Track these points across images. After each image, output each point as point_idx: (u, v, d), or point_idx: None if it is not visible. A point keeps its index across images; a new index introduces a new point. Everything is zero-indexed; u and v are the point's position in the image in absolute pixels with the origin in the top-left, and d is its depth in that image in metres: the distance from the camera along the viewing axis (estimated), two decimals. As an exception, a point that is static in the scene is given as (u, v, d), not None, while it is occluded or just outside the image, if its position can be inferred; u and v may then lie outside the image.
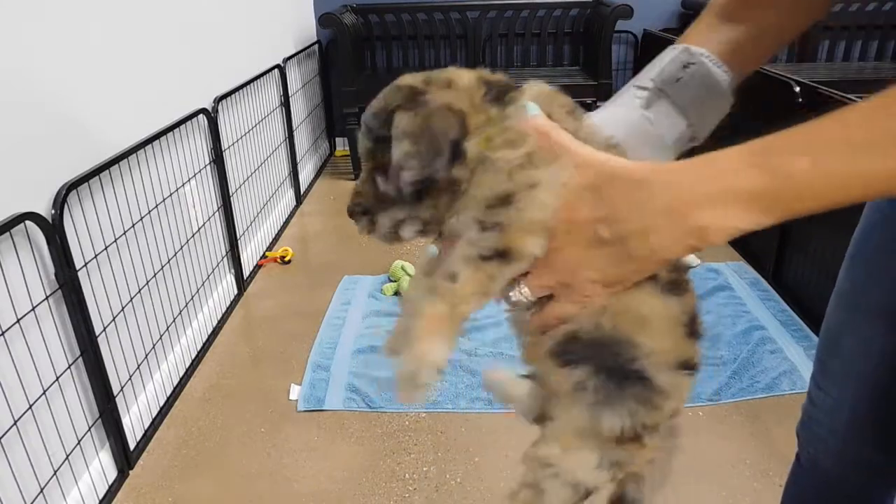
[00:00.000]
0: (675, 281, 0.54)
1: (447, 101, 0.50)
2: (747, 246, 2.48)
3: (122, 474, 1.54)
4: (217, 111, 2.16)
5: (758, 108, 2.43)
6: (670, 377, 0.55)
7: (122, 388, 1.58)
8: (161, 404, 1.75)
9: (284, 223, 2.97)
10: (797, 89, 2.05)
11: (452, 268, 0.49)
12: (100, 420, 1.48)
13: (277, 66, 2.90)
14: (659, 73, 0.60)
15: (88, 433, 1.45)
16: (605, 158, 0.49)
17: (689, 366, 0.57)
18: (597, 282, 0.49)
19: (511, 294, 0.53)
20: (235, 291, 2.33)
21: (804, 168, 0.42)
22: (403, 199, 0.52)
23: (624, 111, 0.60)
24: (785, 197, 0.43)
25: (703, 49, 0.60)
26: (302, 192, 3.27)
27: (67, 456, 1.37)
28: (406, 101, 0.50)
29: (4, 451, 1.19)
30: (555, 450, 0.57)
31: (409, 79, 0.53)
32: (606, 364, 0.52)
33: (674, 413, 0.57)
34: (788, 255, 2.20)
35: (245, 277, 2.41)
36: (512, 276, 0.50)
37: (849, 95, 1.89)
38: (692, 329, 0.58)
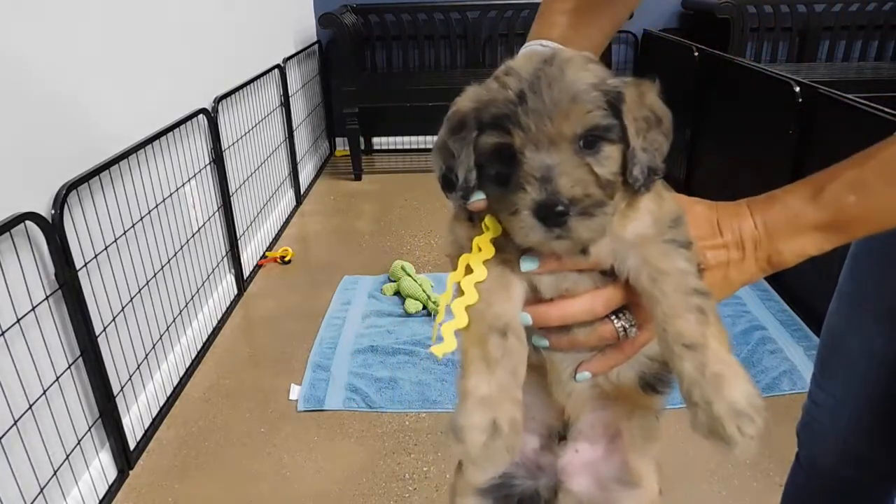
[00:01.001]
0: None
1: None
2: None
3: (122, 474, 1.53)
4: (217, 111, 2.16)
5: (758, 107, 2.44)
6: None
7: (122, 388, 1.58)
8: (161, 404, 1.75)
9: (284, 223, 2.97)
10: (797, 89, 2.05)
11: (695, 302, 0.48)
12: (100, 420, 1.48)
13: (277, 66, 2.90)
14: None
15: (88, 433, 1.45)
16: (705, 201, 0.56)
17: None
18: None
19: (619, 328, 0.52)
20: (235, 291, 2.33)
21: (852, 202, 0.52)
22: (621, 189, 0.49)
23: None
24: (841, 226, 0.53)
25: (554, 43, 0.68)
26: (302, 192, 3.27)
27: (67, 456, 1.37)
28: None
29: (4, 451, 1.19)
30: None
31: None
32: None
33: None
34: (788, 255, 2.20)
35: (245, 277, 2.41)
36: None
37: (848, 95, 1.89)
38: None
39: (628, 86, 0.49)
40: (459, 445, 0.47)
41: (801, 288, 2.12)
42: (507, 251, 0.50)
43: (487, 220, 0.50)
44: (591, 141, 0.46)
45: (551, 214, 0.44)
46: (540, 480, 0.61)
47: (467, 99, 0.51)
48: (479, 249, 0.51)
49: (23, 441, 1.24)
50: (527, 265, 0.50)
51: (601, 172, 0.46)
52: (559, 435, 0.61)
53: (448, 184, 0.51)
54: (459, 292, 0.51)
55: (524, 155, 0.46)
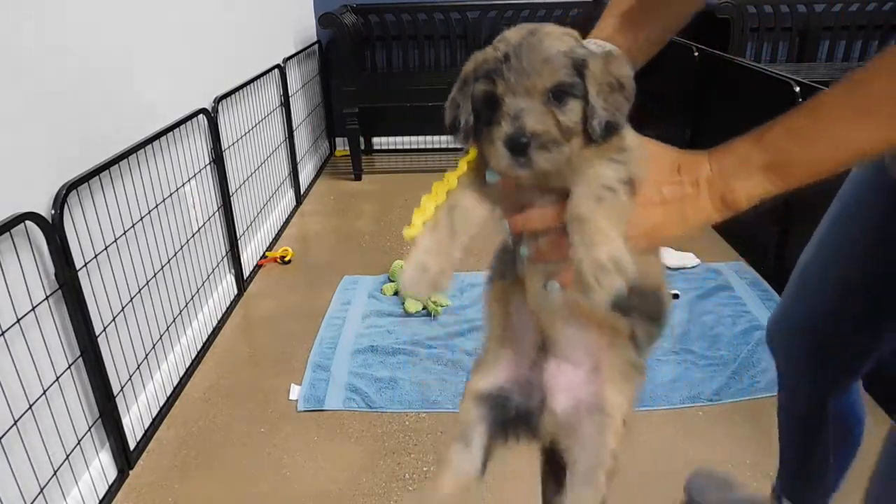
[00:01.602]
0: None
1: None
2: (747, 246, 2.48)
3: (122, 474, 1.54)
4: (217, 111, 2.16)
5: (758, 107, 2.44)
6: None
7: (122, 388, 1.58)
8: (161, 404, 1.75)
9: (284, 223, 2.97)
10: (797, 89, 2.05)
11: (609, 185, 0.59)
12: (100, 420, 1.48)
13: (277, 66, 2.90)
14: None
15: (88, 433, 1.45)
16: (672, 148, 0.66)
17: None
18: (648, 233, 0.63)
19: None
20: (235, 291, 2.33)
21: (789, 147, 0.59)
22: (580, 136, 0.60)
23: None
24: (781, 169, 0.59)
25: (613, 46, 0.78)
26: (302, 192, 3.27)
27: (67, 456, 1.37)
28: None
29: (4, 451, 1.19)
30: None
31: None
32: (650, 311, 0.68)
33: None
34: (788, 255, 2.20)
35: (245, 277, 2.41)
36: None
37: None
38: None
39: (595, 56, 0.61)
40: (400, 281, 0.64)
41: (801, 288, 2.11)
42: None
43: (471, 149, 0.67)
44: (558, 95, 0.59)
45: (517, 145, 0.57)
46: (533, 400, 0.72)
47: (471, 61, 0.64)
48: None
49: (23, 441, 1.24)
50: (490, 177, 0.64)
51: (563, 119, 0.59)
52: (540, 347, 0.72)
53: (454, 128, 0.65)
54: (433, 193, 0.69)
55: (503, 100, 0.59)
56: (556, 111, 0.59)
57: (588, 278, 0.55)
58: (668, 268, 2.36)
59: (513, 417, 0.73)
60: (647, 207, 0.62)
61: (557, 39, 0.61)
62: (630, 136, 0.63)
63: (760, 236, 2.35)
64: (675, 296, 2.24)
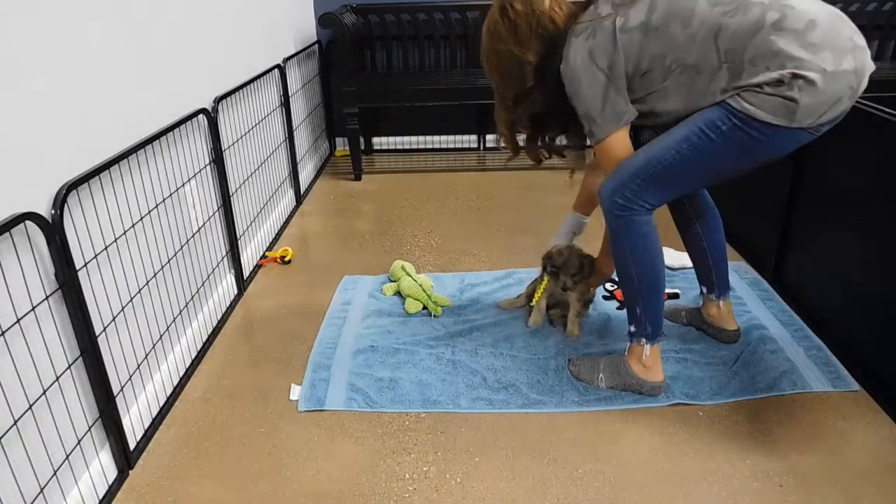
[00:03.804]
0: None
1: None
2: (747, 246, 2.48)
3: (122, 474, 1.54)
4: (217, 111, 2.16)
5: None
6: None
7: (122, 388, 1.58)
8: (161, 404, 1.75)
9: (284, 223, 2.97)
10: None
11: None
12: (100, 420, 1.48)
13: (277, 66, 2.90)
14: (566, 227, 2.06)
15: (88, 433, 1.45)
16: None
17: None
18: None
19: None
20: (235, 291, 2.33)
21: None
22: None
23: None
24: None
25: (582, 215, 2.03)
26: (302, 192, 3.28)
27: (67, 456, 1.37)
28: None
29: (4, 451, 1.19)
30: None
31: None
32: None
33: None
34: (788, 255, 2.20)
35: (245, 277, 2.41)
36: None
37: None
38: None
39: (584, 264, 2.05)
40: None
41: (801, 288, 2.12)
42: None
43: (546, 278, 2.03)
44: (573, 276, 2.04)
45: (562, 286, 2.03)
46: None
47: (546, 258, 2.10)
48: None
49: (23, 441, 1.24)
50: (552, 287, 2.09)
51: (567, 281, 2.06)
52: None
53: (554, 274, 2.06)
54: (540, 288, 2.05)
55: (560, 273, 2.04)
56: (567, 280, 1.94)
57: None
58: (670, 268, 2.36)
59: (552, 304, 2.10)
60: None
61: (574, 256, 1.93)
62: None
63: (760, 236, 2.35)
64: (676, 295, 2.25)
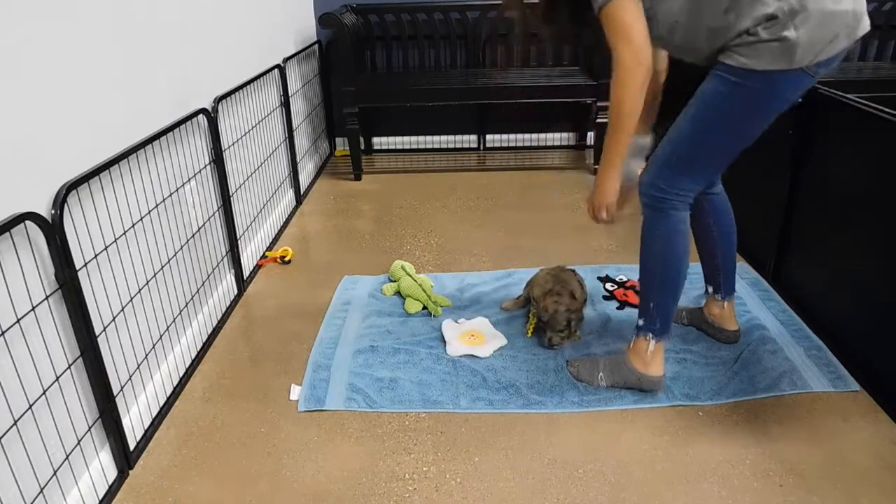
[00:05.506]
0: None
1: None
2: (747, 246, 2.48)
3: (122, 474, 1.54)
4: (217, 111, 2.16)
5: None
6: None
7: (122, 388, 1.58)
8: (161, 404, 1.75)
9: (284, 223, 2.97)
10: (797, 89, 2.05)
11: None
12: (100, 420, 1.48)
13: (277, 66, 2.90)
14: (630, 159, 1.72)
15: (88, 433, 1.45)
16: None
17: None
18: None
19: None
20: (235, 291, 2.33)
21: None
22: None
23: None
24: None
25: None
26: (302, 192, 3.28)
27: (67, 456, 1.37)
28: None
29: (4, 451, 1.19)
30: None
31: None
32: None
33: None
34: (788, 255, 2.20)
35: (245, 277, 2.41)
36: None
37: (848, 95, 1.89)
38: None
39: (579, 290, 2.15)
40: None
41: (801, 288, 2.12)
42: None
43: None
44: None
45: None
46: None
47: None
48: None
49: (23, 441, 1.24)
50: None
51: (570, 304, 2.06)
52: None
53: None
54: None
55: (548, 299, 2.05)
56: (554, 336, 1.94)
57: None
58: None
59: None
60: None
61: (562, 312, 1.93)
62: None
63: (760, 237, 2.35)
64: (675, 296, 2.24)
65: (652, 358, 1.72)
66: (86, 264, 1.43)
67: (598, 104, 3.35)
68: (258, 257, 2.59)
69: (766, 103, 1.46)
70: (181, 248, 1.92)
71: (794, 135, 2.09)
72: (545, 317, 1.93)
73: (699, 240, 1.91)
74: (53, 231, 1.29)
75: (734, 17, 1.39)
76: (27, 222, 1.23)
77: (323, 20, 3.30)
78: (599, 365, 1.80)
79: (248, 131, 2.55)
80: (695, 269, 2.23)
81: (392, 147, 4.06)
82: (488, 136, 4.00)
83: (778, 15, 1.35)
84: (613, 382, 1.77)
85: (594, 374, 1.79)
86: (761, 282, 2.30)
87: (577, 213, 2.99)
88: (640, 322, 1.72)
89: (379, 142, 4.07)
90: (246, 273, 2.43)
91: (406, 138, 4.03)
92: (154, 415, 1.71)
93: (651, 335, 1.70)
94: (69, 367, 1.37)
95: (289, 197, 3.12)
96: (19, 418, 1.22)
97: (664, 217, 1.60)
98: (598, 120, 3.37)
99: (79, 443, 1.41)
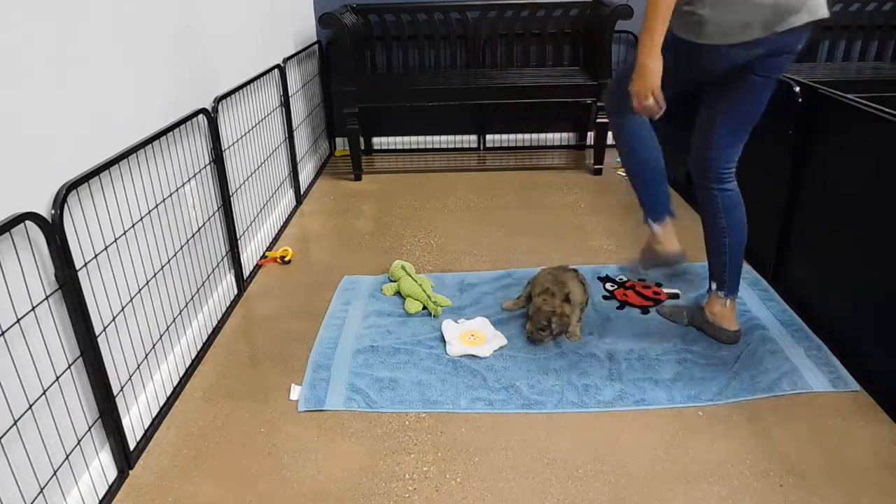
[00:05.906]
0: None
1: None
2: (747, 245, 2.48)
3: (122, 474, 1.54)
4: (217, 111, 2.16)
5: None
6: None
7: (122, 388, 1.58)
8: (161, 404, 1.75)
9: (284, 223, 2.97)
10: (797, 89, 2.05)
11: None
12: (100, 420, 1.48)
13: (277, 66, 2.90)
14: None
15: (88, 433, 1.45)
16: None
17: None
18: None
19: None
20: (235, 291, 2.33)
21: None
22: None
23: None
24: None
25: None
26: (302, 192, 3.28)
27: (67, 456, 1.37)
28: None
29: (4, 451, 1.19)
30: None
31: None
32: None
33: None
34: (788, 254, 2.20)
35: (245, 277, 2.41)
36: None
37: (848, 95, 1.89)
38: None
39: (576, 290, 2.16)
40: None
41: (801, 288, 2.12)
42: None
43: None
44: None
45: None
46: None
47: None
48: None
49: (22, 441, 1.24)
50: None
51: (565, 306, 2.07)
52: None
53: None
54: None
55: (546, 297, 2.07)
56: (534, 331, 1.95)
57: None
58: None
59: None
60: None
61: (543, 312, 1.95)
62: None
63: (760, 236, 2.35)
64: (676, 295, 2.25)
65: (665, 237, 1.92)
66: (86, 264, 1.43)
67: (598, 104, 3.34)
68: (258, 257, 2.59)
69: (694, 62, 1.64)
70: (181, 248, 1.92)
71: (794, 135, 2.09)
72: (530, 310, 1.99)
73: (709, 233, 1.92)
74: (53, 231, 1.29)
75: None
76: (27, 222, 1.23)
77: (323, 20, 3.30)
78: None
79: (248, 131, 2.54)
80: (698, 269, 2.24)
81: (392, 147, 4.06)
82: (488, 136, 4.00)
83: None
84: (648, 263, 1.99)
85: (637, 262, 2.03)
86: (761, 282, 2.30)
87: (578, 213, 2.99)
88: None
89: (379, 142, 4.07)
90: (246, 273, 2.43)
91: (406, 138, 4.03)
92: (154, 415, 1.71)
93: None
94: (69, 367, 1.37)
95: (289, 197, 3.12)
96: (19, 418, 1.22)
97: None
98: (598, 120, 3.37)
99: (79, 443, 1.41)
